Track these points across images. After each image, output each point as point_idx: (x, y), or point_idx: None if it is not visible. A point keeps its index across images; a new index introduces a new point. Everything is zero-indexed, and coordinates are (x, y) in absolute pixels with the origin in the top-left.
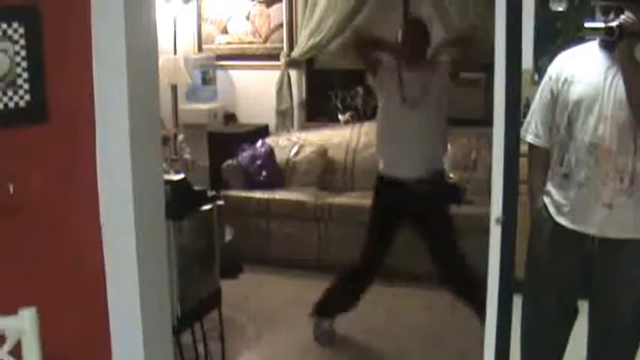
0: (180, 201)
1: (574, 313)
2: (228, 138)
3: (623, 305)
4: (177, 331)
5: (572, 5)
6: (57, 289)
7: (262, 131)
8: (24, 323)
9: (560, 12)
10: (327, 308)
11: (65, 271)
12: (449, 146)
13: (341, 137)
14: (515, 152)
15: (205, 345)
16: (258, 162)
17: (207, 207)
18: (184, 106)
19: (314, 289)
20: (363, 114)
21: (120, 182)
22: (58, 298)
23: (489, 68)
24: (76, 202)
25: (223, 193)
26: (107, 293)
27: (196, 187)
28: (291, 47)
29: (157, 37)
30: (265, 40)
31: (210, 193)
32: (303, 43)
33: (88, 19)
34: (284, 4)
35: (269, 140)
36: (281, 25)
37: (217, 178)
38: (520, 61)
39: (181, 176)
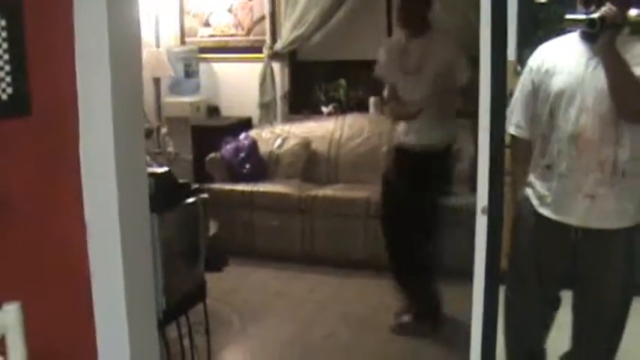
0: (165, 194)
1: (557, 303)
2: (211, 131)
3: (609, 295)
4: (162, 325)
5: None
6: (41, 283)
7: (245, 124)
8: (8, 319)
9: (543, 4)
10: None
11: (49, 266)
12: None
13: (324, 129)
14: (501, 142)
15: (191, 339)
16: (242, 154)
17: (191, 200)
18: (167, 99)
19: (299, 281)
20: (346, 106)
21: (104, 176)
22: (43, 292)
23: (471, 60)
24: (59, 196)
25: (207, 185)
26: (92, 287)
27: (180, 180)
28: (273, 39)
29: (140, 29)
30: (248, 33)
31: (195, 186)
32: (286, 35)
33: (71, 12)
34: None
35: (252, 133)
36: (263, 17)
37: (201, 171)
38: (506, 52)
39: (165, 169)
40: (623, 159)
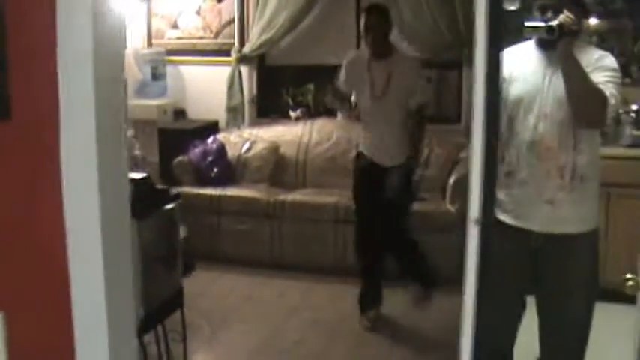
0: (144, 200)
1: (522, 308)
2: (178, 134)
3: (572, 299)
4: (140, 333)
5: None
6: (21, 292)
7: (212, 127)
8: None
9: (513, 11)
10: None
11: (30, 274)
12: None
13: (292, 134)
14: (494, 152)
15: (167, 345)
16: (210, 158)
17: (170, 206)
18: (133, 101)
19: (267, 286)
20: (314, 110)
21: (85, 182)
22: (23, 301)
23: (441, 65)
24: (39, 202)
25: (174, 189)
26: (72, 295)
27: (159, 186)
28: (242, 43)
29: (125, 33)
30: (216, 36)
31: (175, 192)
32: (255, 39)
33: (54, 15)
34: None
35: (220, 136)
36: (232, 20)
37: (167, 175)
38: (500, 59)
39: (144, 175)
40: (581, 164)
